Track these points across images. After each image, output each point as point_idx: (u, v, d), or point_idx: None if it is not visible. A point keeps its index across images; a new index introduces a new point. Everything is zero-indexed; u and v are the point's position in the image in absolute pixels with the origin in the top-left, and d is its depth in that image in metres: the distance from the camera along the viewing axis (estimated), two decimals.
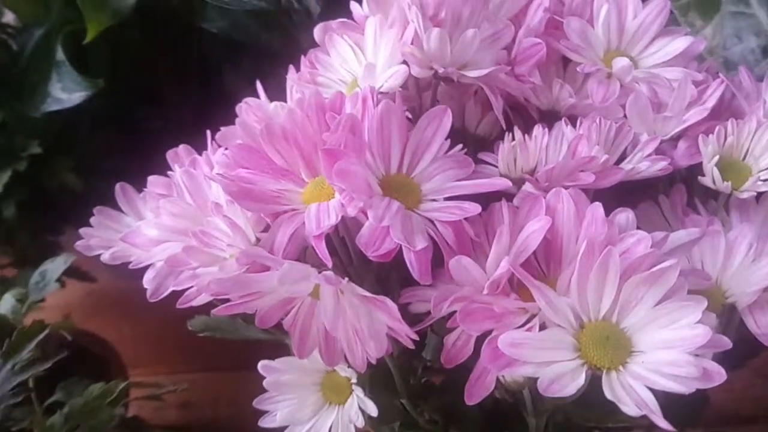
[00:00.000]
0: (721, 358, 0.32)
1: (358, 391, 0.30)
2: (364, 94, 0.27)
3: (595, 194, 0.28)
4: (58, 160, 0.52)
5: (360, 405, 0.29)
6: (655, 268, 0.23)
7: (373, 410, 0.29)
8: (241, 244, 0.25)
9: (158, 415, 0.64)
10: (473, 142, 0.34)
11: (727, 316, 0.29)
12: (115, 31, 0.54)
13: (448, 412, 0.34)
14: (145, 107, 0.60)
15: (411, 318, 0.27)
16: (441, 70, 0.30)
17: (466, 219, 0.27)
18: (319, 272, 0.23)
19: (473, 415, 0.34)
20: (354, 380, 0.30)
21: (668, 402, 0.33)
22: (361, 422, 0.29)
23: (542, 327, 0.24)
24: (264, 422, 0.30)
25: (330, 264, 0.24)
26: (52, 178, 0.51)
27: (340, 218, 0.25)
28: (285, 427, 0.30)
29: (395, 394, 0.31)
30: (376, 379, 0.32)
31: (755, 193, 0.28)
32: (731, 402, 0.58)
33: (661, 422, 0.21)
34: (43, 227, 0.53)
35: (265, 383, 0.30)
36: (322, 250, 0.24)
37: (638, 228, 0.26)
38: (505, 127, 0.31)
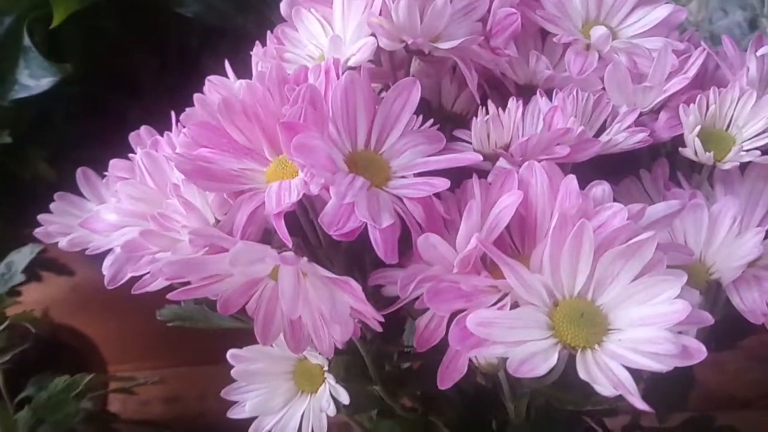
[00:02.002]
0: (709, 338, 0.31)
1: (330, 379, 0.28)
2: (327, 66, 0.26)
3: (577, 170, 0.27)
4: (30, 149, 0.50)
5: (332, 393, 0.28)
6: (631, 242, 0.21)
7: (345, 398, 0.28)
8: (196, 225, 0.24)
9: (144, 409, 0.63)
10: (450, 120, 0.33)
11: (714, 294, 0.28)
12: (89, 17, 0.52)
13: (428, 399, 0.33)
14: (124, 96, 0.59)
15: (386, 301, 0.26)
16: (410, 42, 0.28)
17: (439, 197, 0.26)
18: (280, 253, 0.22)
19: (453, 401, 0.33)
20: (326, 367, 0.29)
21: (652, 385, 0.32)
22: (332, 410, 0.28)
23: (516, 306, 0.23)
24: (232, 413, 0.29)
25: (290, 244, 0.23)
26: (25, 169, 0.50)
27: (302, 196, 0.23)
28: (254, 418, 0.29)
29: (370, 381, 0.30)
30: (352, 365, 0.31)
31: (738, 164, 0.27)
32: (725, 385, 0.57)
33: (639, 403, 0.20)
34: (16, 218, 0.52)
35: (233, 372, 0.29)
36: (281, 229, 0.23)
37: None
38: (480, 103, 0.29)
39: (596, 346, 0.21)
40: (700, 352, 0.20)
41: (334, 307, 0.22)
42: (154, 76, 0.59)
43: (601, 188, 0.24)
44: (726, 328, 0.31)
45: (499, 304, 0.23)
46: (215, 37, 0.57)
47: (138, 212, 0.27)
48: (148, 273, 0.25)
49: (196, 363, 0.65)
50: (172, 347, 0.61)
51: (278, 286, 0.22)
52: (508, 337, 0.21)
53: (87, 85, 0.56)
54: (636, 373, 0.23)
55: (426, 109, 0.33)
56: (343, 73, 0.26)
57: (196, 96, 0.28)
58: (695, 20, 0.43)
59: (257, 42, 0.32)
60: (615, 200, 0.29)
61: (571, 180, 0.23)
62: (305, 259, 0.22)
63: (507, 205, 0.24)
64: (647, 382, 0.32)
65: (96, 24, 0.55)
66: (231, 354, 0.29)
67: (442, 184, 0.25)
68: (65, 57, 0.51)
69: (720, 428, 0.34)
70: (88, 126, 0.56)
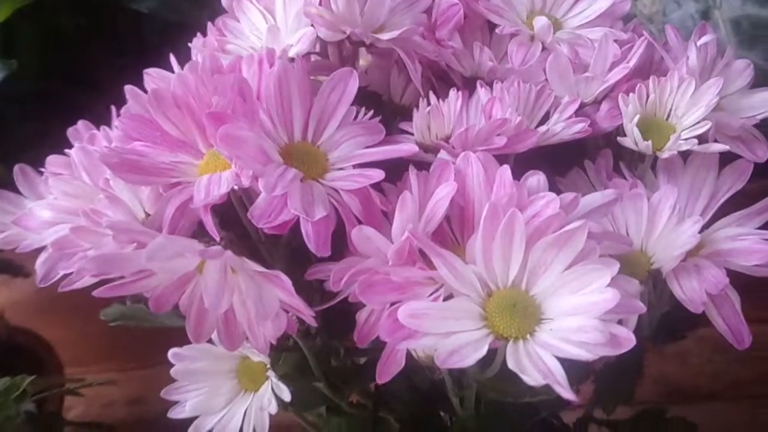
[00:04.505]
0: (657, 328, 0.31)
1: (273, 377, 0.28)
2: (260, 56, 0.25)
3: (526, 161, 0.27)
4: None
5: (275, 390, 0.28)
6: (562, 230, 0.21)
7: (287, 396, 0.27)
8: (122, 219, 0.23)
9: (108, 412, 0.62)
10: (399, 112, 0.32)
11: (661, 285, 0.28)
12: (44, 13, 0.51)
13: (378, 395, 0.33)
14: (82, 93, 0.58)
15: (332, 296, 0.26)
16: (350, 32, 0.28)
17: (381, 189, 0.26)
18: (207, 247, 0.22)
19: (404, 396, 0.32)
20: (269, 365, 0.28)
21: (601, 377, 0.32)
22: (273, 408, 0.27)
23: (450, 297, 0.22)
24: (173, 413, 0.28)
25: (218, 238, 0.22)
26: None
27: (232, 188, 0.23)
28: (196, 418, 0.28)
29: (313, 377, 0.29)
30: (300, 362, 0.30)
31: (677, 153, 0.27)
32: (690, 378, 0.57)
33: (567, 394, 0.20)
34: None
35: (172, 372, 0.28)
36: (208, 222, 0.22)
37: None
38: (425, 95, 0.29)
39: (528, 336, 0.21)
40: (628, 340, 0.20)
41: (260, 302, 0.21)
42: (114, 73, 0.58)
43: (536, 178, 0.24)
44: (674, 319, 0.31)
45: (433, 296, 0.23)
46: (175, 33, 0.56)
47: (72, 209, 0.26)
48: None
49: (160, 363, 0.63)
50: (136, 349, 0.60)
51: (202, 281, 0.21)
52: (439, 328, 0.21)
53: (44, 82, 0.55)
54: (588, 366, 0.23)
55: (376, 102, 0.33)
56: (274, 60, 0.26)
57: (127, 87, 0.27)
58: (649, 12, 0.43)
59: (198, 33, 0.32)
60: (561, 191, 0.29)
61: (505, 170, 0.23)
62: (230, 252, 0.21)
63: (442, 196, 0.24)
64: (597, 374, 0.32)
65: (52, 20, 0.54)
66: (172, 353, 0.29)
67: (377, 175, 0.24)
68: (20, 54, 0.50)
69: (671, 419, 0.34)
70: (45, 124, 0.55)
